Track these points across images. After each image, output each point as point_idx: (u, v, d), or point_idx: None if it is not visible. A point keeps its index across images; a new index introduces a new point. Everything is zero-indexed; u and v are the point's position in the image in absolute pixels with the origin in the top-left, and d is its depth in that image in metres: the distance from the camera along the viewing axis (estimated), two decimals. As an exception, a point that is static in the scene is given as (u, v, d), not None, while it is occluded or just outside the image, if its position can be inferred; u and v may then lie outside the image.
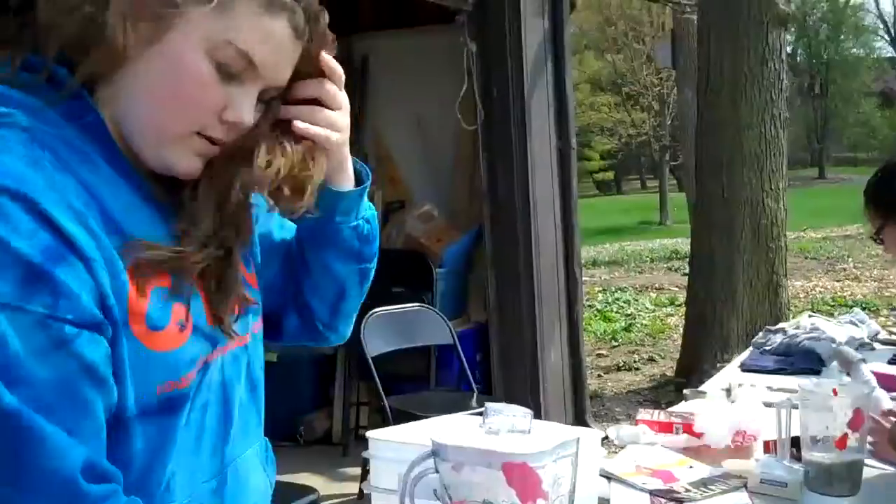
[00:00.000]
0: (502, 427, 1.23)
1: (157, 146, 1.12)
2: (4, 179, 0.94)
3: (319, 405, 5.66)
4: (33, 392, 0.90)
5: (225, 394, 1.21)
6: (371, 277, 1.45)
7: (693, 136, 8.07)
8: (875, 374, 3.02)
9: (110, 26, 1.04)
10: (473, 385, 4.79)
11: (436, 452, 1.22)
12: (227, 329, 1.18)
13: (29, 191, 0.95)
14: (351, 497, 4.74)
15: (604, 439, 2.71)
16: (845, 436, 2.20)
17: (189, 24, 1.07)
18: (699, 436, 2.67)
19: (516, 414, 1.25)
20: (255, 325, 1.29)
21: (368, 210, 1.41)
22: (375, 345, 4.16)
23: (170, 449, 1.11)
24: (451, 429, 1.26)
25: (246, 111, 1.14)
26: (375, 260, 1.44)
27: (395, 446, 1.38)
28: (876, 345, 3.98)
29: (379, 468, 1.48)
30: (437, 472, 1.22)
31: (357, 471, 4.85)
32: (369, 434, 1.50)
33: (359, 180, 1.35)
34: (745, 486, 2.40)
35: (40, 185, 0.97)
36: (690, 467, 2.54)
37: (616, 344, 8.67)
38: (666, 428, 2.82)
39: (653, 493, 2.38)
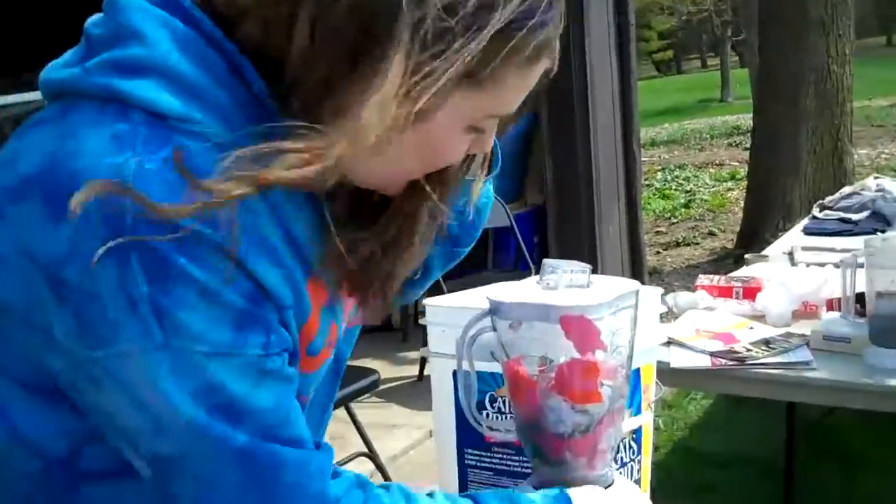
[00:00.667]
0: (560, 282, 1.22)
1: (377, 183, 1.02)
2: (197, 223, 0.84)
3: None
4: (259, 423, 0.89)
5: (339, 370, 1.20)
6: (458, 260, 1.39)
7: (756, 8, 7.82)
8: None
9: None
10: (531, 265, 4.79)
11: (493, 310, 1.21)
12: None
13: (220, 235, 0.86)
14: (411, 378, 4.82)
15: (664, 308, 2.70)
16: (912, 287, 2.17)
17: (454, 105, 0.94)
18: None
19: (574, 269, 1.24)
20: None
21: (483, 197, 1.30)
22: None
23: None
24: (509, 289, 1.24)
25: (489, 143, 1.06)
26: (470, 248, 1.37)
27: (452, 311, 1.38)
28: (944, 204, 3.91)
29: (436, 334, 1.47)
30: (494, 330, 1.21)
31: (416, 355, 4.94)
32: (426, 301, 1.49)
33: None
34: (807, 343, 2.39)
35: (226, 224, 0.87)
36: (751, 328, 2.53)
37: (675, 221, 8.59)
38: (726, 293, 2.80)
39: (714, 354, 2.38)
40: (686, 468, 3.89)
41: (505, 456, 1.40)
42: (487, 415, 1.40)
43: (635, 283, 1.22)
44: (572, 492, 1.11)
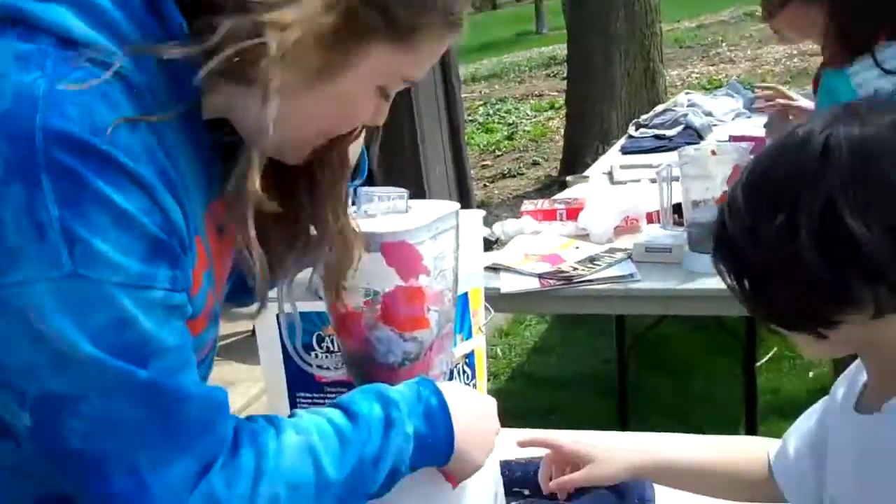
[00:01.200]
0: (378, 210, 1.19)
1: (283, 147, 0.99)
2: (115, 150, 0.82)
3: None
4: (165, 361, 0.87)
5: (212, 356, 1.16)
6: None
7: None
8: (750, 137, 3.08)
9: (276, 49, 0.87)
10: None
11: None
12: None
13: (134, 162, 0.83)
14: (245, 333, 4.57)
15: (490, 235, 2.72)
16: (725, 195, 2.23)
17: (368, 61, 0.94)
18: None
19: (392, 195, 1.21)
20: None
21: None
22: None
23: None
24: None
25: (385, 114, 1.05)
26: None
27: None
28: (752, 114, 4.06)
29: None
30: (313, 265, 1.17)
31: (249, 309, 4.80)
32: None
33: None
34: (630, 257, 2.45)
35: (141, 153, 0.85)
36: (577, 248, 2.57)
37: (500, 153, 8.68)
38: (550, 215, 2.84)
39: (542, 276, 2.40)
40: (526, 392, 3.98)
41: (338, 395, 1.37)
42: (316, 355, 1.36)
43: (454, 205, 1.20)
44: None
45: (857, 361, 1.07)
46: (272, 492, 0.93)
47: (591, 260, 2.45)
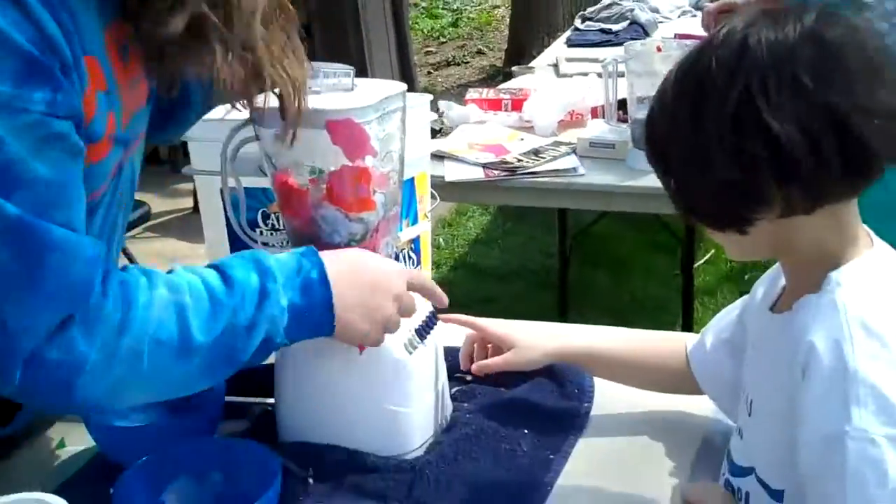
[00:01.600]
0: (323, 86, 1.16)
1: None
2: None
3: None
4: (34, 194, 0.84)
5: (132, 187, 1.13)
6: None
7: None
8: (696, 35, 3.06)
9: None
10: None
11: (255, 119, 1.14)
12: None
13: None
14: (185, 210, 4.64)
15: (437, 120, 2.69)
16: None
17: None
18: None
19: (337, 72, 1.18)
20: None
21: None
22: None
23: None
24: (271, 97, 1.17)
25: None
26: None
27: (211, 125, 1.28)
28: (698, 12, 4.04)
29: (198, 149, 1.38)
30: (257, 139, 1.15)
31: (189, 186, 4.72)
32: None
33: None
34: (574, 151, 2.44)
35: None
36: (521, 139, 2.56)
37: (444, 40, 8.57)
38: (495, 105, 2.81)
39: (486, 166, 2.39)
40: (467, 283, 4.00)
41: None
42: (261, 232, 1.35)
43: (401, 85, 1.18)
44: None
45: (776, 267, 1.09)
46: (135, 346, 0.93)
47: (536, 152, 2.45)
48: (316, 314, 1.04)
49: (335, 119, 1.09)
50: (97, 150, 0.94)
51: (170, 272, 1.00)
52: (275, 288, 1.01)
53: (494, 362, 1.32)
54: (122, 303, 0.93)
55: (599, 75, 2.64)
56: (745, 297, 1.17)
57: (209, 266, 1.03)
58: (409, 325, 1.16)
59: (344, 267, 1.07)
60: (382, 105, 1.13)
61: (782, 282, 1.05)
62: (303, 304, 1.03)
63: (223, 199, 1.29)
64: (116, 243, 1.13)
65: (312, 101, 1.10)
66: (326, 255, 1.07)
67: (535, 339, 1.32)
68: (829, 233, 0.94)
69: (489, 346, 1.35)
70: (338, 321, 1.05)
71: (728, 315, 1.20)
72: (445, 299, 1.18)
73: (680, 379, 1.24)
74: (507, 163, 2.39)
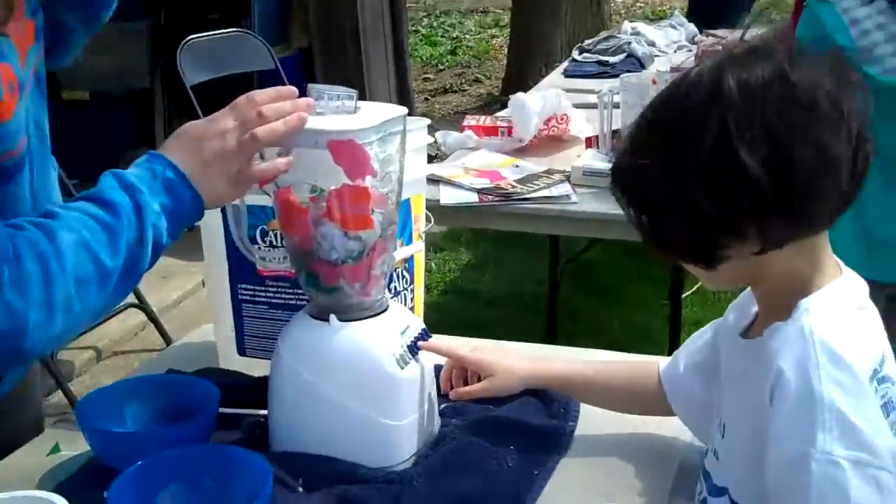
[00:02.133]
0: (328, 108, 1.20)
1: None
2: None
3: (140, 143, 5.47)
4: None
5: (40, 133, 1.18)
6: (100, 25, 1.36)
7: None
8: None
9: None
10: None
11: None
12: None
13: None
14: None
15: (432, 146, 2.72)
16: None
17: None
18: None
19: (341, 94, 1.22)
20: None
21: None
22: (194, 74, 3.96)
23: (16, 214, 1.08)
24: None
25: None
26: (112, 11, 1.34)
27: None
28: (694, 47, 4.10)
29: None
30: (262, 159, 1.18)
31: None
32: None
33: None
34: (567, 179, 2.49)
35: None
36: (517, 166, 2.60)
37: (442, 68, 8.64)
38: (491, 131, 2.86)
39: (481, 191, 2.43)
40: (457, 307, 4.03)
41: (279, 289, 1.40)
42: (259, 248, 1.38)
43: (402, 109, 1.22)
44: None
45: (748, 292, 1.11)
46: (64, 292, 1.00)
47: (530, 179, 2.49)
48: (187, 206, 1.11)
49: (337, 140, 1.13)
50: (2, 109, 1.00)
51: (50, 214, 1.04)
52: (144, 199, 1.07)
53: (472, 389, 1.34)
54: (36, 258, 0.98)
55: (595, 106, 2.70)
56: (718, 320, 1.20)
57: (81, 198, 1.07)
58: (401, 342, 1.19)
59: (185, 149, 1.11)
60: (383, 127, 1.17)
61: (755, 307, 1.08)
62: (172, 203, 1.09)
63: (224, 216, 1.32)
64: (45, 198, 1.19)
65: (316, 122, 1.14)
66: (167, 149, 1.12)
67: (512, 366, 1.34)
68: (799, 263, 0.98)
69: (467, 372, 1.37)
70: (205, 201, 1.12)
71: (701, 337, 1.23)
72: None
73: (654, 401, 1.27)
74: (501, 189, 2.43)
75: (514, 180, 2.49)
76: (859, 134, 0.93)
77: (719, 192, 0.91)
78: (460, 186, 2.46)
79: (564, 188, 2.43)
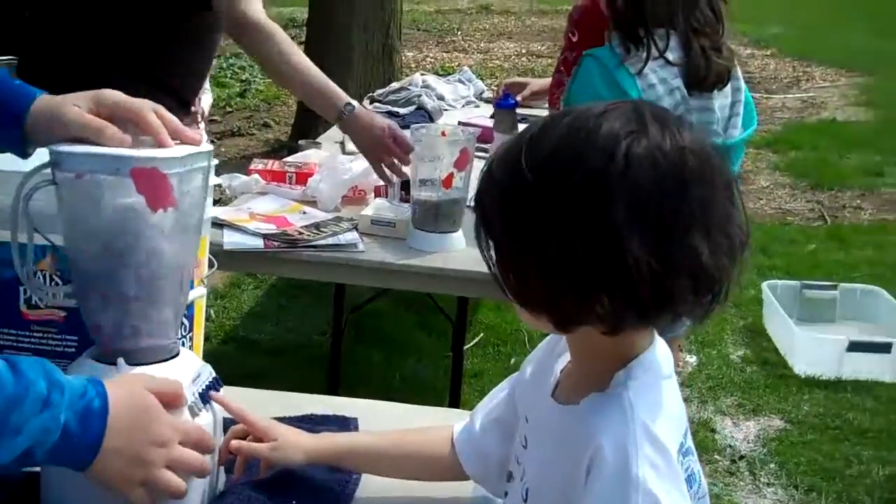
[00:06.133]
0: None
1: None
2: None
3: None
4: None
5: None
6: None
7: None
8: (477, 124, 3.19)
9: None
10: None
11: (56, 162, 1.10)
12: None
13: None
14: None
15: (216, 186, 2.65)
16: (451, 175, 2.31)
17: None
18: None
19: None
20: None
21: None
22: None
23: None
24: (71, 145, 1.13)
25: None
26: None
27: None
28: (481, 103, 4.21)
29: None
30: (54, 184, 1.10)
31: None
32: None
33: None
34: (355, 227, 2.47)
35: None
36: (304, 213, 2.57)
37: (230, 110, 8.51)
38: (279, 177, 2.81)
39: (267, 236, 2.38)
40: (237, 357, 3.92)
41: (45, 335, 1.31)
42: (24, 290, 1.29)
43: (208, 145, 1.18)
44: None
45: (548, 344, 1.12)
46: None
47: (318, 226, 2.45)
48: (83, 444, 1.00)
49: (142, 167, 1.08)
50: None
51: None
52: (59, 401, 0.96)
53: (257, 448, 1.23)
54: None
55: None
56: (514, 375, 1.19)
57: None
58: (193, 389, 1.13)
59: (126, 406, 1.03)
60: (189, 160, 1.13)
61: (559, 365, 1.07)
62: (76, 430, 0.98)
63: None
64: None
65: (118, 150, 1.09)
66: (115, 387, 1.03)
67: (297, 438, 1.25)
68: (628, 335, 0.97)
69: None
70: (97, 461, 1.01)
71: (497, 394, 1.22)
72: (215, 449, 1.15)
73: (443, 465, 1.24)
74: (288, 235, 2.39)
75: (302, 227, 2.45)
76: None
77: (591, 269, 0.89)
78: (245, 231, 2.40)
79: (352, 236, 2.41)
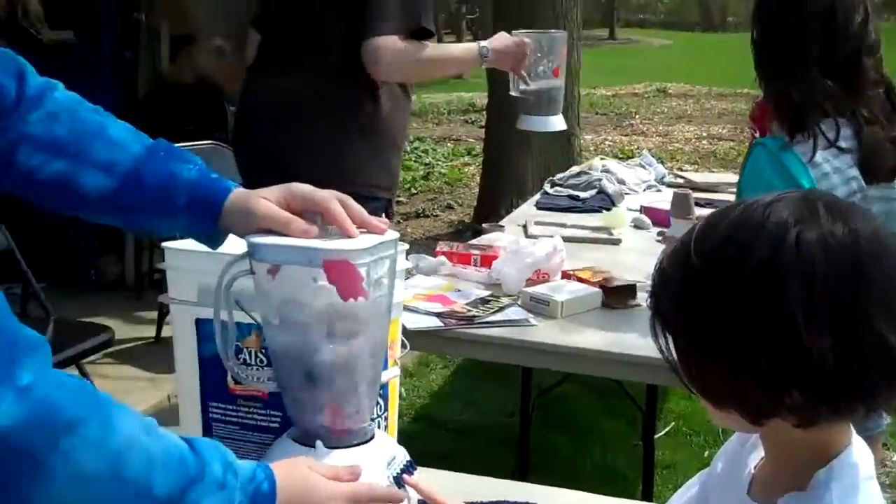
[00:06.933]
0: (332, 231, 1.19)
1: None
2: None
3: (109, 248, 5.44)
4: None
5: None
6: None
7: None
8: (660, 209, 3.16)
9: None
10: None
11: (252, 253, 1.16)
12: None
13: None
14: (148, 340, 4.59)
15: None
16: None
17: None
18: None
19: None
20: None
21: None
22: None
23: None
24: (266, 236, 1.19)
25: None
26: None
27: (194, 255, 1.31)
28: (662, 187, 4.17)
29: (176, 279, 1.38)
30: (252, 273, 1.17)
31: (153, 314, 4.70)
32: (165, 244, 1.40)
33: None
34: (516, 303, 2.49)
35: None
36: (458, 290, 2.60)
37: (415, 192, 8.74)
38: (465, 259, 2.85)
39: (441, 315, 2.41)
40: (425, 436, 3.95)
41: (251, 409, 1.36)
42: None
43: (394, 233, 1.22)
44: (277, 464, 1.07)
45: (740, 437, 1.08)
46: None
47: (478, 304, 2.47)
48: None
49: (333, 259, 1.12)
50: None
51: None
52: (234, 484, 1.00)
53: None
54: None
55: (566, 238, 2.71)
56: (705, 471, 1.16)
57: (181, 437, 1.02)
58: (387, 473, 1.15)
59: (290, 487, 1.05)
60: (377, 250, 1.16)
61: (752, 461, 1.04)
62: None
63: (198, 330, 1.29)
64: None
65: (309, 242, 1.13)
66: (279, 470, 1.06)
67: None
68: (823, 430, 0.94)
69: None
70: None
71: (687, 492, 1.18)
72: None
73: None
74: (457, 312, 2.41)
75: (466, 304, 2.47)
76: None
77: (778, 367, 0.87)
78: (416, 311, 2.43)
79: (518, 311, 2.42)
